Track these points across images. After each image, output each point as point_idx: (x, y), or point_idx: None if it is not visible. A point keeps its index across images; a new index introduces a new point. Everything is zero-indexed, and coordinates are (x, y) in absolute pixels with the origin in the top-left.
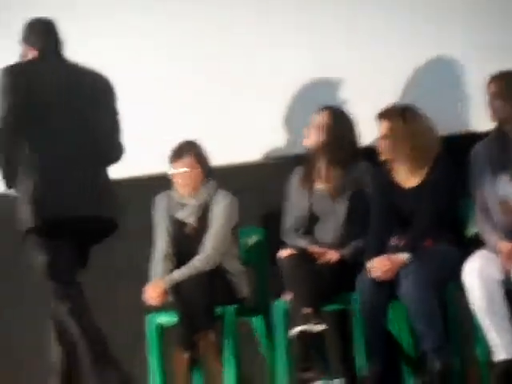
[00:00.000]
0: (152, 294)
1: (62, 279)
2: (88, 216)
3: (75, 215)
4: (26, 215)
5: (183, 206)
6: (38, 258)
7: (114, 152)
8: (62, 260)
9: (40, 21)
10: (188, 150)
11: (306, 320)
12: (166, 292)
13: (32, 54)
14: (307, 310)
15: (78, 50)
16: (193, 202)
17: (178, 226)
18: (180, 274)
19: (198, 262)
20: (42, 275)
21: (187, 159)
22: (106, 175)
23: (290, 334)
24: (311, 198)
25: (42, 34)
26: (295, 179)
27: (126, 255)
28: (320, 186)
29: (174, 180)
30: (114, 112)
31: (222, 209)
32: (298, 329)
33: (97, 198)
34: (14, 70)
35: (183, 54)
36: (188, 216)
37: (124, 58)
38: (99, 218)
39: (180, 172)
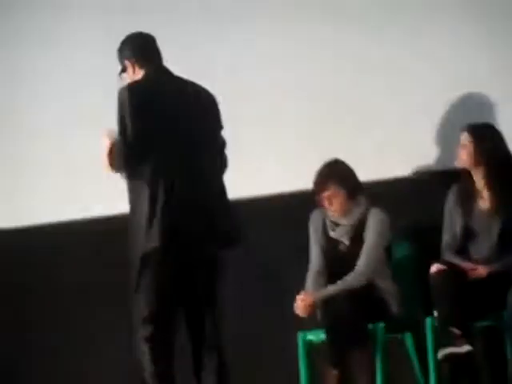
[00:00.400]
0: (300, 304)
1: (159, 319)
2: (204, 230)
3: (193, 231)
4: (145, 238)
5: (336, 225)
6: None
7: (223, 165)
8: (166, 297)
9: (143, 35)
10: (331, 176)
11: (453, 341)
12: (314, 305)
13: (142, 70)
14: (455, 331)
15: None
16: (345, 222)
17: (331, 244)
18: (332, 289)
19: (351, 278)
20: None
21: (330, 186)
22: (222, 187)
23: (439, 356)
24: (468, 216)
25: (149, 49)
26: (452, 197)
27: (279, 273)
28: (478, 204)
29: (322, 203)
30: (221, 126)
31: (375, 226)
32: (445, 351)
33: (213, 212)
34: (136, 89)
35: (336, 66)
36: (341, 236)
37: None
38: (216, 231)
39: (325, 197)
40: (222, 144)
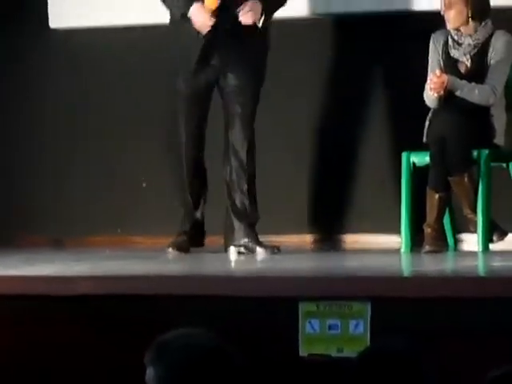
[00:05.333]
0: (434, 80)
1: None
2: None
3: None
4: None
5: (459, 44)
6: None
7: None
8: None
9: None
10: None
11: None
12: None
13: None
14: None
15: None
16: (469, 41)
17: (451, 63)
18: (462, 83)
19: (480, 91)
20: None
21: (456, 5)
22: None
23: None
24: None
25: None
26: None
27: None
28: None
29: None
30: None
31: (502, 47)
32: None
33: None
34: None
35: None
36: (463, 55)
37: None
38: None
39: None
40: None
